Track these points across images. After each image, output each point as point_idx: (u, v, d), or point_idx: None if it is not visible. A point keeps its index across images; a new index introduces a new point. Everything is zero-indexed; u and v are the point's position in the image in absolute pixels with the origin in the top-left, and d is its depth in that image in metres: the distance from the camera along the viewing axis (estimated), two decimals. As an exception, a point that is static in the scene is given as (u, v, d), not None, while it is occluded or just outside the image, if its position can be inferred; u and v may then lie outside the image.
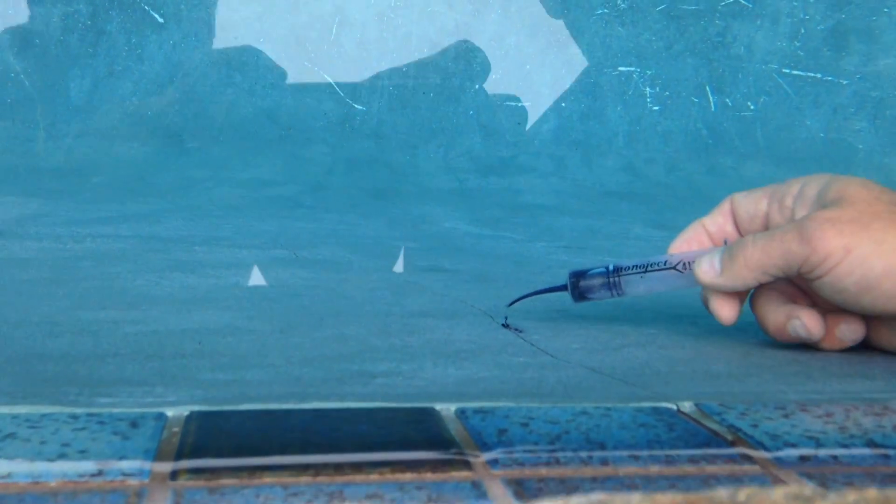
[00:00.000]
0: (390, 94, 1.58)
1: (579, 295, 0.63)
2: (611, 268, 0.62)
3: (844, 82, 1.63)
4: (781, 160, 1.59)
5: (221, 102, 1.57)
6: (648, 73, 1.63)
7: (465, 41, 1.59)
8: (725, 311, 0.58)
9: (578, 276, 0.63)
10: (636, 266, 0.61)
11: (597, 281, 0.62)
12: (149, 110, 1.56)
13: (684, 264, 0.60)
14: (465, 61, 1.61)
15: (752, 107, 1.63)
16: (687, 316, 0.69)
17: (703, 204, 1.46)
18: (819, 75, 1.64)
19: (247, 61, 1.59)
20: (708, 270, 0.57)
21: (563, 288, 0.63)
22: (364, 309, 0.69)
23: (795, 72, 1.64)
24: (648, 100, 1.62)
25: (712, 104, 1.64)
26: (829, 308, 0.57)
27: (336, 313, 0.67)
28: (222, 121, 1.56)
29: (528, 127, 1.59)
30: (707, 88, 1.64)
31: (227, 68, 1.59)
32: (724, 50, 1.65)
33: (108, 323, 0.63)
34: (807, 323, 0.56)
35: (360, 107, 1.57)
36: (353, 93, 1.58)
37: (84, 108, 1.55)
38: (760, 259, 0.55)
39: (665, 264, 0.60)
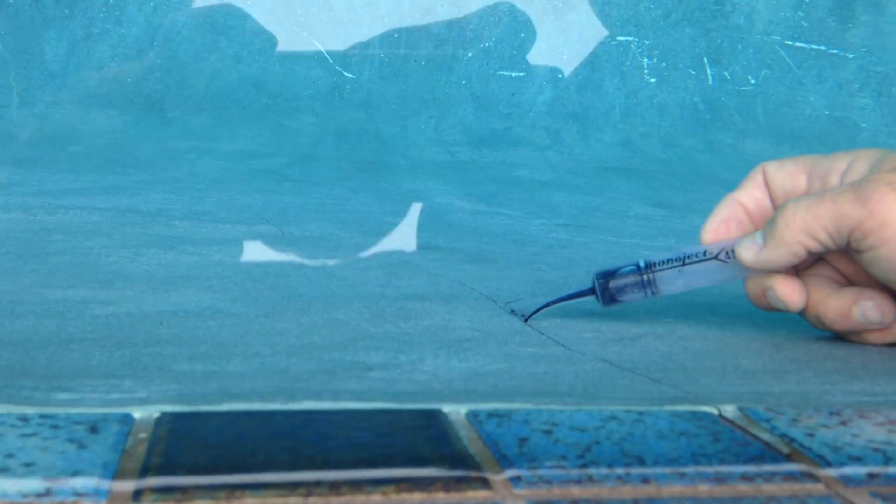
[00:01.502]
0: (381, 61, 1.52)
1: (610, 298, 0.55)
2: (642, 264, 0.54)
3: (850, 56, 1.57)
4: (783, 138, 1.54)
5: (205, 69, 1.51)
6: (646, 42, 1.57)
7: (459, 7, 1.53)
8: (795, 293, 0.51)
9: (607, 276, 0.55)
10: (671, 260, 0.54)
11: (628, 280, 0.54)
12: (128, 76, 1.50)
13: (726, 253, 0.53)
14: (459, 28, 1.55)
15: (752, 80, 1.58)
16: (706, 304, 0.63)
17: (702, 182, 1.40)
18: (824, 48, 1.58)
19: (232, 25, 1.52)
20: (750, 247, 0.51)
21: (589, 292, 0.56)
22: (356, 291, 0.64)
23: (798, 44, 1.58)
24: (646, 71, 1.57)
25: (710, 77, 1.58)
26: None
27: (325, 296, 0.62)
28: (206, 88, 1.49)
29: (524, 97, 1.53)
30: (704, 60, 1.58)
31: (212, 32, 1.52)
32: (723, 19, 1.59)
33: (76, 303, 0.57)
34: (880, 304, 0.50)
35: (349, 75, 1.51)
36: (342, 60, 1.51)
37: (60, 73, 1.49)
38: (805, 220, 0.48)
39: (705, 255, 0.53)
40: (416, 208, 0.94)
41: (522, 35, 1.55)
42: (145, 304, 0.57)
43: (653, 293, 0.55)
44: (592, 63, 1.56)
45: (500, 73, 1.55)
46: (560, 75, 1.53)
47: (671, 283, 0.54)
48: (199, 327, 0.52)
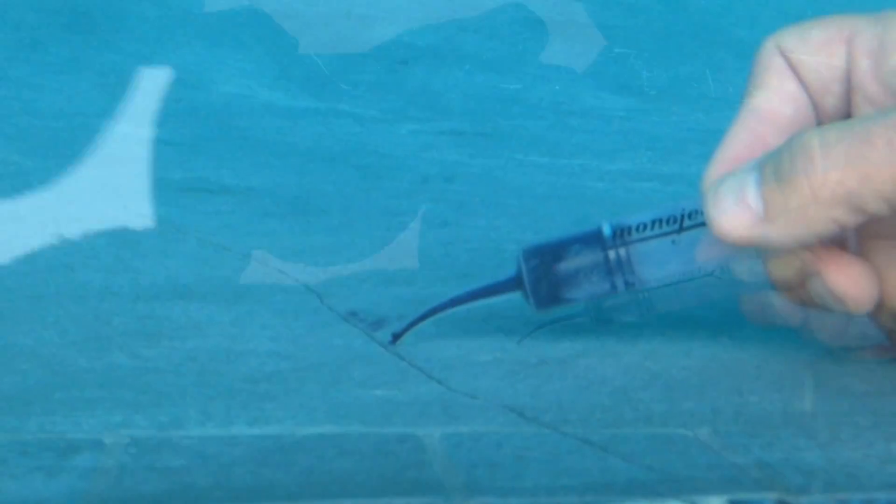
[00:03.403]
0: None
1: (549, 296, 0.56)
2: (607, 231, 0.55)
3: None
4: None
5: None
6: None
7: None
8: (860, 284, 0.53)
9: (545, 255, 0.55)
10: (660, 221, 0.54)
11: (584, 260, 0.55)
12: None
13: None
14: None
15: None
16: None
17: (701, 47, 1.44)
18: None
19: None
20: (737, 213, 0.51)
21: (512, 285, 0.56)
22: (59, 285, 0.68)
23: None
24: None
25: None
26: None
27: None
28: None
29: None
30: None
31: None
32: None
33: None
34: None
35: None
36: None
37: None
38: (843, 181, 0.49)
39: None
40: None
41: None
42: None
43: (626, 285, 0.55)
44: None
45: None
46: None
47: (659, 268, 0.55)
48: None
